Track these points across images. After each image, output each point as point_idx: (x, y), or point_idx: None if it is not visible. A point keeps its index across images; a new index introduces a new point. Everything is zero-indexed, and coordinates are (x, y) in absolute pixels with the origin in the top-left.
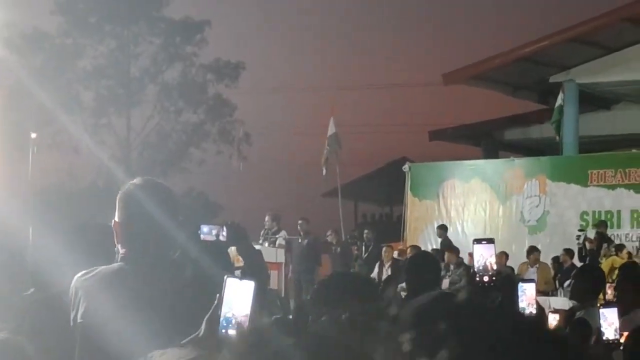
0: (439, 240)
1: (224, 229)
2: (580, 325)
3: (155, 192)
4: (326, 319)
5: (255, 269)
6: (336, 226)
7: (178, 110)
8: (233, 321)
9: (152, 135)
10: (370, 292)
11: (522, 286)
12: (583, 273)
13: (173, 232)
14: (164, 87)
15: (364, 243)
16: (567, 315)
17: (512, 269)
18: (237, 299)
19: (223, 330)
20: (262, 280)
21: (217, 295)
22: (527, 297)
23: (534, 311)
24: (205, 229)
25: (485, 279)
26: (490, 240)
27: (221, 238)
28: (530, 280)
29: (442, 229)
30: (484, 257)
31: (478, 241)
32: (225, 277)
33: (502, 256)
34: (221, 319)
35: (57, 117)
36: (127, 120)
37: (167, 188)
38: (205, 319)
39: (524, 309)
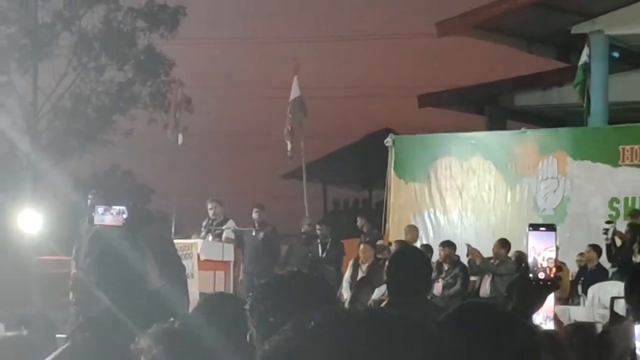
0: (430, 233)
1: (124, 210)
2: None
3: None
4: (290, 327)
5: (167, 262)
6: (301, 215)
7: (99, 67)
8: None
9: (66, 99)
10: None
11: None
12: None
13: None
14: (82, 37)
15: (318, 241)
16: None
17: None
18: None
19: None
20: (180, 278)
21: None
22: (543, 307)
23: (552, 325)
24: (100, 209)
25: (541, 275)
26: (550, 227)
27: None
28: None
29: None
30: (538, 250)
31: (534, 227)
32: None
33: (499, 245)
34: None
35: None
36: (33, 78)
37: None
38: None
39: (540, 323)
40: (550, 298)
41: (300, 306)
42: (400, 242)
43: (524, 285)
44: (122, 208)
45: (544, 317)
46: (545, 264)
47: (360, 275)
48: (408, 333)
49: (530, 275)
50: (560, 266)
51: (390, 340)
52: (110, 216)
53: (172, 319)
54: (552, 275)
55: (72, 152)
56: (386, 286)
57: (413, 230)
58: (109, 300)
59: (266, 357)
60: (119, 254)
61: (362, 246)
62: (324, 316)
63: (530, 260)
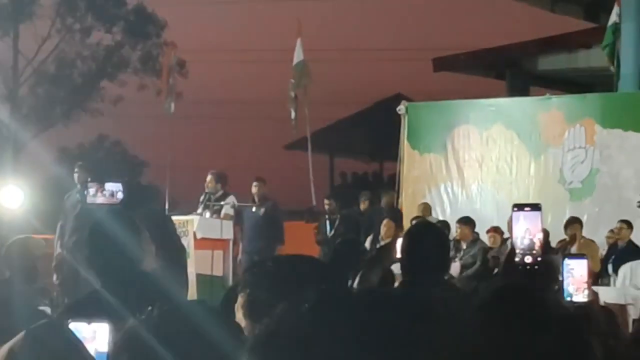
0: (447, 208)
1: (120, 188)
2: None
3: None
4: (284, 309)
5: (165, 242)
6: (306, 189)
7: (85, 29)
8: None
9: (49, 64)
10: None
11: (568, 264)
12: None
13: None
14: None
15: (326, 217)
16: None
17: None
18: (90, 347)
19: None
20: (179, 259)
21: None
22: (575, 278)
23: (586, 298)
24: (92, 189)
25: (528, 259)
26: (535, 207)
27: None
28: (580, 256)
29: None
30: (524, 230)
31: (519, 207)
32: (68, 321)
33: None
34: None
35: None
36: (13, 41)
37: None
38: None
39: (570, 295)
40: (583, 269)
41: (291, 288)
42: (416, 217)
43: (509, 269)
44: (117, 186)
45: (576, 289)
46: (533, 248)
47: None
48: (406, 313)
49: (517, 259)
50: (545, 249)
51: (386, 320)
52: (103, 197)
53: (162, 303)
54: (538, 259)
55: (56, 121)
56: (400, 265)
57: (426, 208)
58: (99, 282)
59: (259, 340)
60: (111, 232)
61: (385, 221)
62: (318, 297)
63: (516, 242)
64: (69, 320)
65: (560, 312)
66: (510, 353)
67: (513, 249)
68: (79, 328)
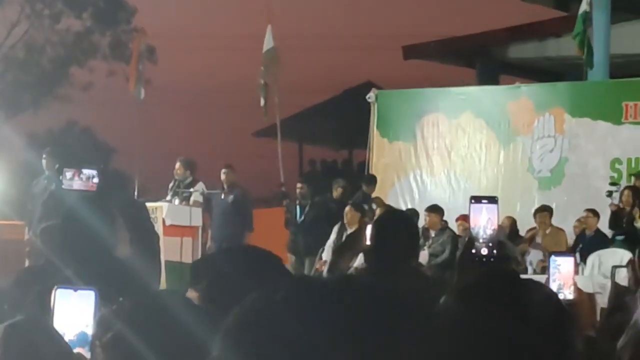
0: (416, 196)
1: (95, 174)
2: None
3: None
4: (258, 296)
5: (139, 229)
6: (275, 176)
7: (54, 15)
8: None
9: (18, 49)
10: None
11: (554, 260)
12: None
13: None
14: None
15: (297, 203)
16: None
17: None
18: (74, 313)
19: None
20: (152, 247)
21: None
22: (562, 274)
23: (571, 295)
24: (68, 173)
25: (484, 251)
26: (492, 200)
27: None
28: (567, 254)
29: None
30: (482, 222)
31: (476, 200)
32: (55, 287)
33: (507, 222)
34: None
35: None
36: None
37: None
38: None
39: (558, 292)
40: (570, 266)
41: (248, 281)
42: (382, 202)
43: (465, 261)
44: (93, 172)
45: (562, 284)
46: (493, 240)
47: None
48: (376, 300)
49: (473, 250)
50: (502, 242)
51: (357, 308)
52: (79, 181)
53: (136, 293)
54: (494, 252)
55: (25, 107)
56: (369, 252)
57: (381, 204)
58: (71, 270)
59: (231, 330)
60: (85, 219)
61: (347, 208)
62: (291, 287)
63: (478, 233)
64: (56, 287)
65: (548, 301)
66: (495, 342)
67: (471, 239)
68: (65, 294)
